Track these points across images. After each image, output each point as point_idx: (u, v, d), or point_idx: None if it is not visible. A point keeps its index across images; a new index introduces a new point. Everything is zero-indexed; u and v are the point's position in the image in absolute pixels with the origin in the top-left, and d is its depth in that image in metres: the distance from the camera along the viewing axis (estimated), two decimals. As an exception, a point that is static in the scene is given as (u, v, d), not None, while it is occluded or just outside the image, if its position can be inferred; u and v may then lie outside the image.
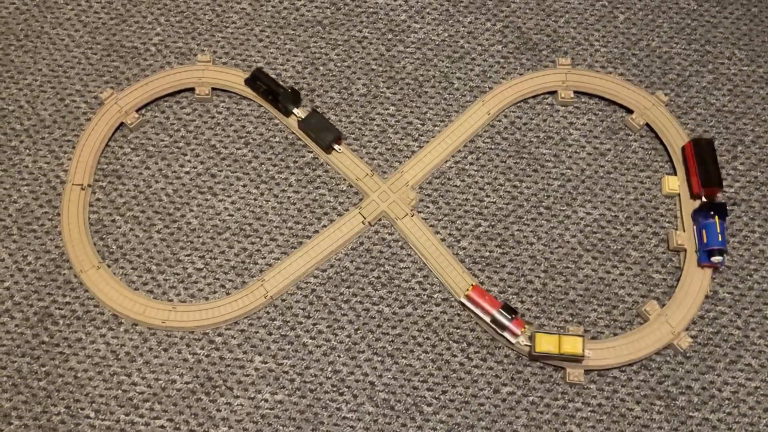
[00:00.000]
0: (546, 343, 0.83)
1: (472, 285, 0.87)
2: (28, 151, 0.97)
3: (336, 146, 0.95)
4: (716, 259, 0.86)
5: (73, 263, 0.90)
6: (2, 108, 0.99)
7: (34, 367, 0.86)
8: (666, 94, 0.99)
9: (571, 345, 0.83)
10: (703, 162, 0.90)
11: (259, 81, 0.95)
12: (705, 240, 0.87)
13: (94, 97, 1.00)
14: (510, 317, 0.85)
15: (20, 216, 0.93)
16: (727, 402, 0.85)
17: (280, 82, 0.97)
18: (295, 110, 0.95)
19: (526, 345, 0.85)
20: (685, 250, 0.90)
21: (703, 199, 0.91)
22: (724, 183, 0.95)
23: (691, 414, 0.85)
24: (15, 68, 1.01)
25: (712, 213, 0.87)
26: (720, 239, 0.86)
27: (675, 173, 0.95)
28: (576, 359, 0.84)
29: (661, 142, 0.97)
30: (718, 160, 0.91)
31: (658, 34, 1.04)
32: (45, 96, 1.00)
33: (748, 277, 0.91)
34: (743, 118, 0.99)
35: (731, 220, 0.94)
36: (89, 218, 0.93)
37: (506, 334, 0.85)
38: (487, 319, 0.85)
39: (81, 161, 0.95)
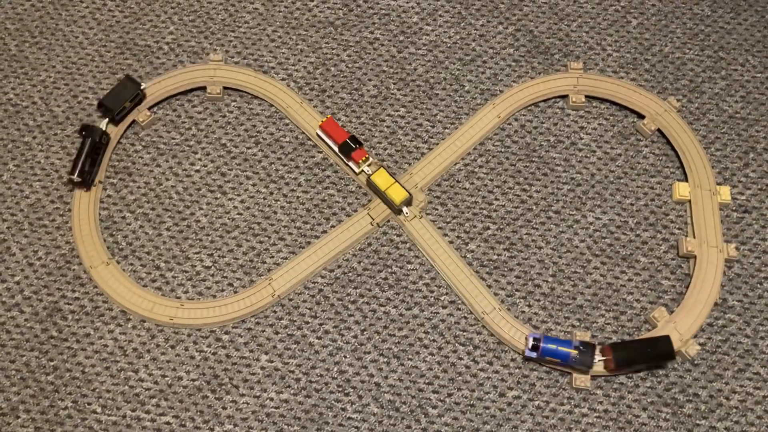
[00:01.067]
0: (381, 178, 0.90)
1: (328, 117, 0.92)
2: (40, 147, 0.98)
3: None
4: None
5: (83, 259, 0.91)
6: (16, 104, 1.00)
7: (43, 362, 0.87)
8: (678, 100, 0.99)
9: (397, 193, 0.89)
10: None
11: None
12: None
13: (106, 94, 1.01)
14: (354, 147, 0.91)
15: (32, 211, 0.94)
16: (734, 411, 0.85)
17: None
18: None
19: (366, 174, 0.91)
20: (695, 257, 0.90)
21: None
22: (736, 190, 0.95)
23: (698, 422, 0.84)
24: (29, 65, 1.02)
25: None
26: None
27: (686, 179, 0.94)
28: (395, 209, 0.90)
29: (673, 148, 0.97)
30: None
31: (671, 39, 1.04)
32: (58, 92, 1.01)
33: (758, 285, 0.90)
34: (756, 125, 0.98)
35: (742, 228, 0.93)
36: (100, 215, 0.94)
37: (351, 164, 0.93)
38: (336, 148, 0.93)
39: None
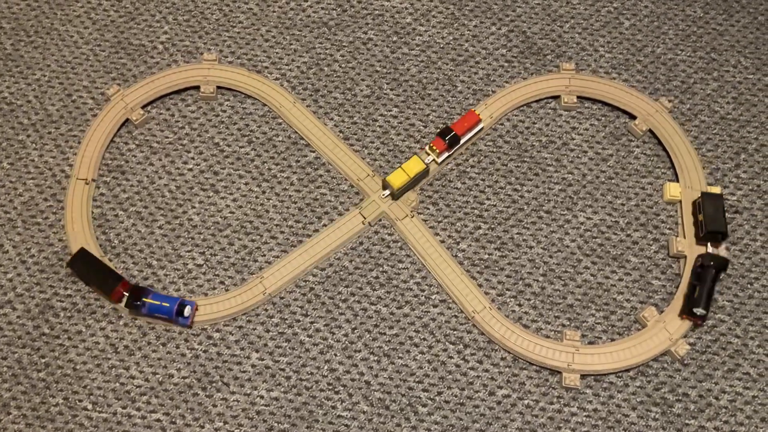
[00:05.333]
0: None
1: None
2: (34, 145, 0.98)
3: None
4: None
5: (76, 256, 0.91)
6: (11, 102, 1.00)
7: (34, 359, 0.87)
8: (670, 101, 0.99)
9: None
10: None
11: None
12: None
13: (100, 93, 1.01)
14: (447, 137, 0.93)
15: (25, 209, 0.94)
16: (724, 410, 0.85)
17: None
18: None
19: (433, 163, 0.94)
20: (685, 257, 0.90)
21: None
22: (727, 190, 0.95)
23: (687, 422, 0.84)
24: (24, 63, 1.03)
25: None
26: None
27: (677, 180, 0.95)
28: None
29: (664, 149, 0.97)
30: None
31: (664, 40, 1.04)
32: (53, 91, 1.01)
33: (749, 285, 0.90)
34: (747, 126, 0.99)
35: (733, 228, 0.93)
36: (93, 213, 0.94)
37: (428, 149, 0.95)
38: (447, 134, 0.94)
39: (86, 156, 0.96)
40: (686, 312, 0.86)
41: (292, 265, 0.91)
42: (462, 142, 0.95)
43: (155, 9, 1.07)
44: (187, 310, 0.85)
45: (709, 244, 0.89)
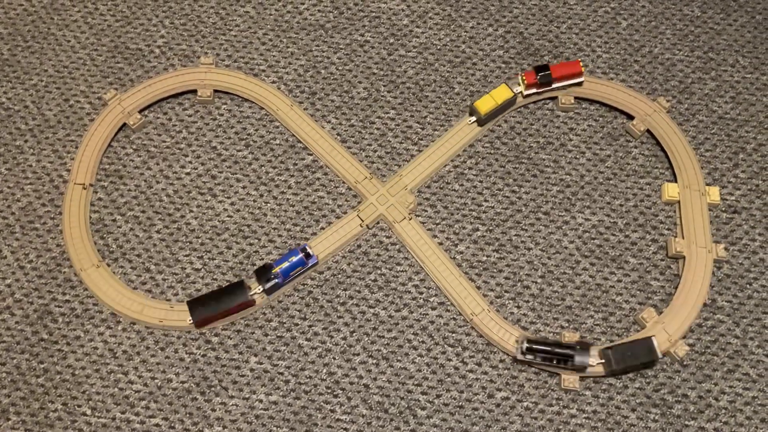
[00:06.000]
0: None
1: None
2: (32, 150, 0.98)
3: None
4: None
5: (74, 262, 0.91)
6: (8, 108, 1.01)
7: (33, 364, 0.87)
8: (668, 101, 0.99)
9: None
10: None
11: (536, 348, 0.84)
12: None
13: (98, 97, 1.01)
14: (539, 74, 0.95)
15: (23, 214, 0.94)
16: (723, 411, 0.85)
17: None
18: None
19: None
20: (684, 258, 0.90)
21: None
22: (725, 190, 0.95)
23: (687, 423, 0.84)
24: (21, 69, 1.03)
25: None
26: None
27: (675, 180, 0.95)
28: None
29: (662, 149, 0.97)
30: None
31: (661, 40, 1.04)
32: (50, 96, 1.01)
33: (748, 285, 0.90)
34: (745, 126, 0.98)
35: (731, 228, 0.93)
36: (90, 217, 0.94)
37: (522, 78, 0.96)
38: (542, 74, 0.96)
39: (83, 161, 0.96)
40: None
41: (290, 268, 0.91)
42: (553, 86, 0.95)
43: (152, 13, 1.06)
44: (309, 251, 0.88)
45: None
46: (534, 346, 0.83)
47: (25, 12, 1.07)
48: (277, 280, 0.87)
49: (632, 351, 0.83)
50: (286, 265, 0.87)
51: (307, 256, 0.88)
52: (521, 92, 0.96)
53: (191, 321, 0.86)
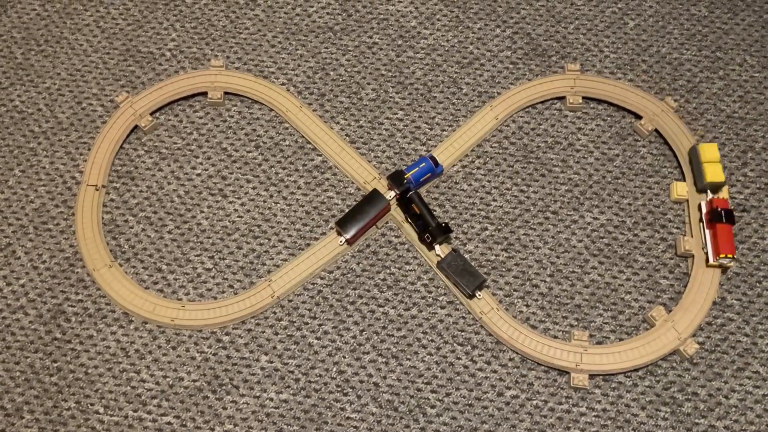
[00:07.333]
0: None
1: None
2: (45, 152, 0.99)
3: (478, 292, 0.89)
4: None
5: (86, 262, 0.92)
6: (22, 111, 1.02)
7: (47, 363, 0.88)
8: (675, 100, 0.99)
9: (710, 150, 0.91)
10: None
11: (414, 204, 0.90)
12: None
13: (110, 100, 1.02)
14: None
15: (36, 215, 0.96)
16: (734, 409, 0.84)
17: (434, 213, 0.92)
18: (437, 247, 0.90)
19: None
20: (693, 256, 0.90)
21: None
22: (734, 189, 0.95)
23: (696, 421, 0.84)
24: (35, 72, 1.04)
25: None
26: None
27: (684, 179, 0.95)
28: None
29: (670, 148, 0.97)
30: None
31: (669, 40, 1.04)
32: (63, 99, 1.02)
33: (757, 283, 0.90)
34: (754, 125, 0.98)
35: (740, 227, 0.93)
36: (102, 218, 0.95)
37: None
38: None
39: (96, 163, 0.97)
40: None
41: (300, 268, 0.91)
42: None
43: (163, 17, 1.08)
44: (438, 159, 0.93)
45: None
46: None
47: (39, 16, 1.08)
48: (410, 183, 0.91)
49: (466, 271, 0.88)
50: (416, 170, 0.91)
51: (435, 163, 0.92)
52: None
53: (342, 241, 0.91)
